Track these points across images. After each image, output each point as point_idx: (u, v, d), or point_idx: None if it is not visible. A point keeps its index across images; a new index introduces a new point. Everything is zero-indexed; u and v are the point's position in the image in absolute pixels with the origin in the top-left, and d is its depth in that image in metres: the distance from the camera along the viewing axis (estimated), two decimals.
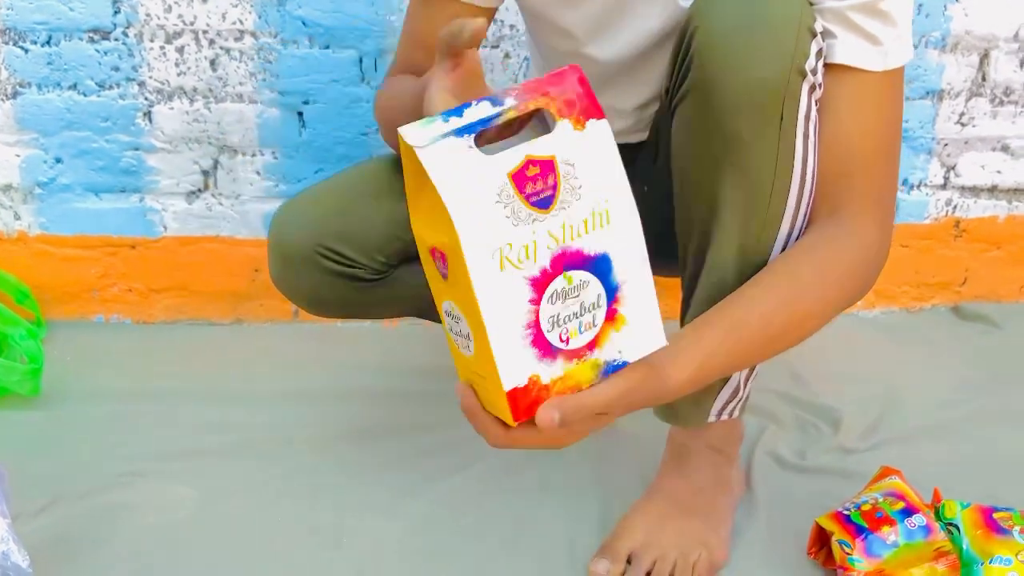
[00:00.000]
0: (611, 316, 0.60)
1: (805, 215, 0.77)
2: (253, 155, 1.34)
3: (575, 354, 0.59)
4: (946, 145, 1.40)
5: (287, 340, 1.38)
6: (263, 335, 1.40)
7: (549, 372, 0.58)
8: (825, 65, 0.73)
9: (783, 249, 0.77)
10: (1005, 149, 1.41)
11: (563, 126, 0.56)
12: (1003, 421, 1.12)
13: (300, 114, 1.31)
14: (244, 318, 1.43)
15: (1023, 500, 0.84)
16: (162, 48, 1.28)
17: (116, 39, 1.27)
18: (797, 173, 0.74)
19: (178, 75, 1.29)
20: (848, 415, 1.12)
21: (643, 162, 0.97)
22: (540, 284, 0.57)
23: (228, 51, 1.28)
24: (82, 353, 1.30)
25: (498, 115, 0.55)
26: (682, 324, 0.92)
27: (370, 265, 0.91)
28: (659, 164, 0.93)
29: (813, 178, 0.76)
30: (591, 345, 0.59)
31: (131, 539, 0.88)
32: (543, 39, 0.93)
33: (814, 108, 0.73)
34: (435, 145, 0.53)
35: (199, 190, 1.35)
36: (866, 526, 0.80)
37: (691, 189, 0.79)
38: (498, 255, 0.55)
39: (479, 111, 0.54)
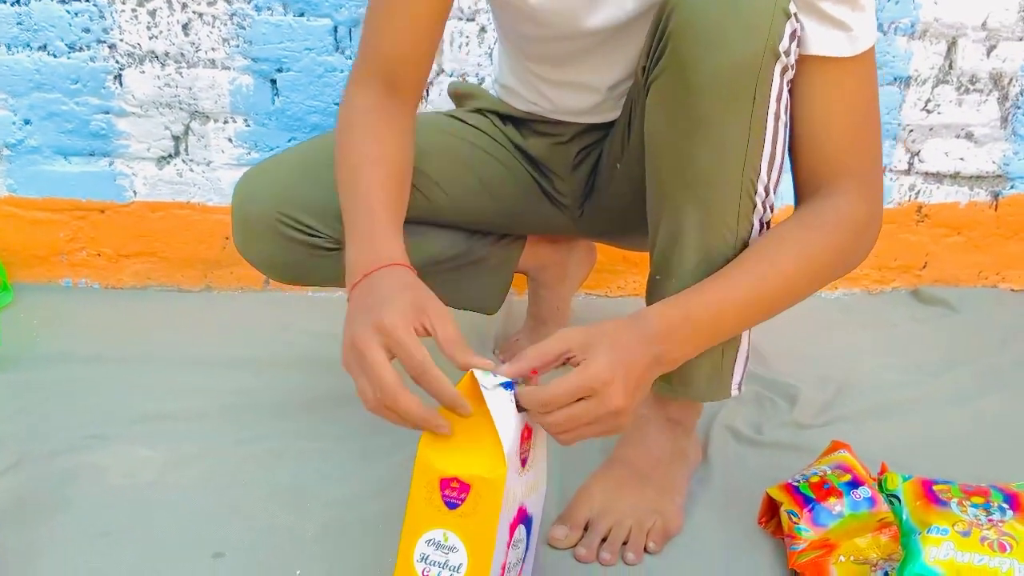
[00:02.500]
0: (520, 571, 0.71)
1: (773, 193, 0.79)
2: (225, 122, 1.33)
3: None
4: (911, 131, 1.42)
5: (257, 308, 1.39)
6: (233, 303, 1.40)
7: None
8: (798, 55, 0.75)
9: (756, 228, 0.79)
10: (969, 137, 1.44)
11: None
12: (953, 402, 1.16)
13: (273, 82, 1.31)
14: (214, 285, 1.43)
15: (968, 475, 0.88)
16: (134, 11, 1.26)
17: (87, 0, 1.25)
18: (767, 153, 0.76)
19: (150, 39, 1.28)
20: (805, 392, 1.15)
21: (616, 140, 0.98)
22: (512, 528, 0.66)
23: (201, 16, 1.27)
24: (49, 316, 1.30)
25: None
26: (648, 304, 0.94)
27: (330, 234, 0.91)
28: (631, 142, 0.94)
29: (783, 158, 0.78)
30: None
31: (95, 500, 0.89)
32: (510, 25, 0.92)
33: (786, 89, 0.75)
34: (497, 390, 0.64)
35: (170, 156, 1.35)
36: (813, 497, 0.83)
37: (663, 168, 0.80)
38: (506, 497, 0.64)
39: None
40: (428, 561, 0.65)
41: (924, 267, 1.50)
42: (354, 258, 0.74)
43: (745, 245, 0.78)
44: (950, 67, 1.39)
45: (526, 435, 0.67)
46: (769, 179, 0.77)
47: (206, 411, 1.07)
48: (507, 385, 0.66)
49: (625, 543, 0.85)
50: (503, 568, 0.65)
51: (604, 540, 0.85)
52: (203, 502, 0.90)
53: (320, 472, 0.96)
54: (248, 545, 0.84)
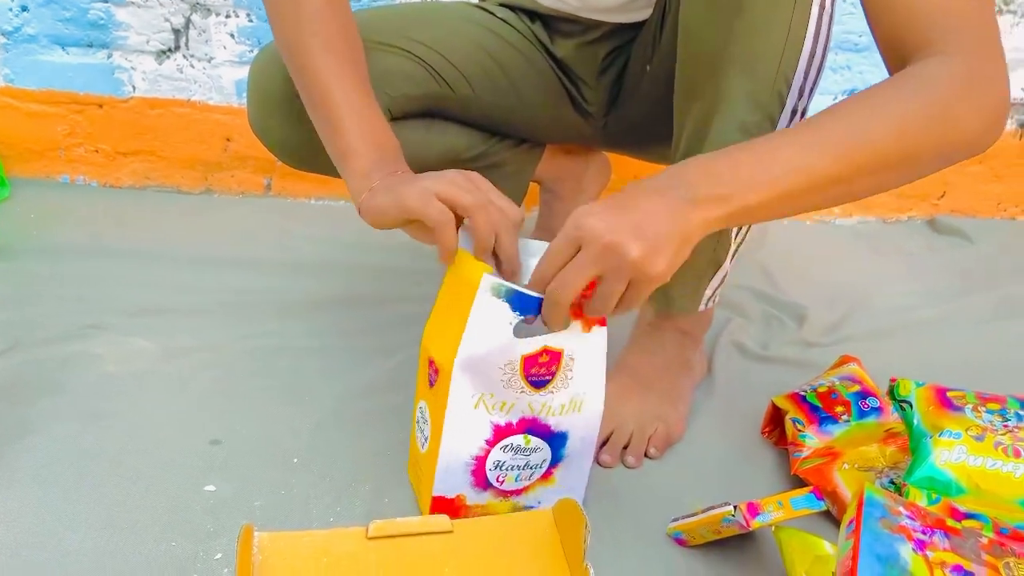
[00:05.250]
0: (546, 476, 0.71)
1: (808, 98, 0.75)
2: (227, 16, 1.28)
3: (502, 494, 0.70)
4: None
5: (258, 213, 1.36)
6: (234, 207, 1.37)
7: (475, 498, 0.69)
8: None
9: (789, 123, 0.74)
10: None
11: (575, 326, 0.65)
12: (967, 325, 1.14)
13: None
14: (214, 188, 1.40)
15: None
16: None
17: None
18: (807, 49, 0.71)
19: None
20: (814, 312, 1.13)
21: (645, 41, 0.94)
22: (501, 432, 0.67)
23: None
24: (46, 212, 1.27)
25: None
26: None
27: None
28: (663, 41, 0.90)
29: (824, 55, 0.73)
30: (518, 492, 0.71)
31: (89, 386, 0.88)
32: None
33: None
34: (498, 300, 0.62)
35: (170, 50, 1.30)
36: (820, 406, 0.81)
37: (693, 59, 0.76)
38: (478, 397, 0.65)
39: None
40: (419, 426, 0.71)
41: (942, 196, 1.46)
42: (360, 159, 0.71)
43: None
44: None
45: (548, 358, 0.65)
46: (805, 79, 0.73)
47: (205, 307, 1.05)
48: (520, 302, 0.62)
49: (626, 447, 0.84)
50: (479, 462, 0.67)
51: (605, 443, 0.84)
52: (199, 392, 0.89)
53: (319, 369, 0.94)
54: (245, 434, 0.83)
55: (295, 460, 0.79)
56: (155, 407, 0.85)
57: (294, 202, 1.40)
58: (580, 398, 0.69)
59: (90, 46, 1.29)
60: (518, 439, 0.68)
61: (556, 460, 0.70)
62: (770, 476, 0.82)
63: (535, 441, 0.69)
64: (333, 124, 0.73)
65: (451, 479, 0.68)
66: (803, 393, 0.84)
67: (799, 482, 0.79)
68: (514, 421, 0.67)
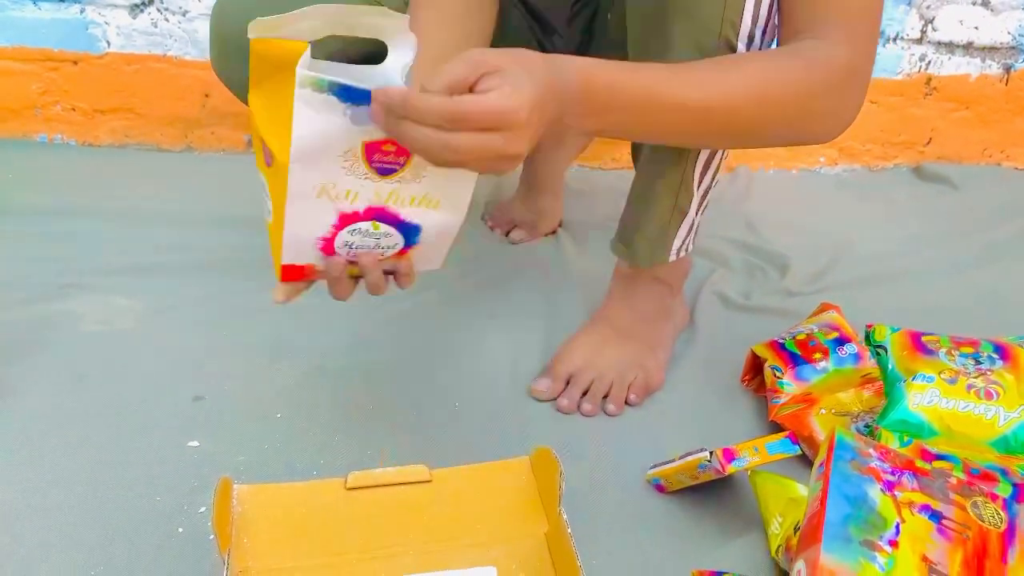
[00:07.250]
0: (401, 253, 0.69)
1: (763, 37, 0.74)
2: None
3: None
4: None
5: (240, 170, 1.34)
6: (215, 164, 1.36)
7: (325, 262, 0.67)
8: None
9: None
10: (985, 4, 1.36)
11: None
12: (947, 272, 1.14)
13: None
14: (195, 146, 1.38)
15: None
16: None
17: None
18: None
19: None
20: (797, 262, 1.13)
21: None
22: (347, 219, 0.64)
23: None
24: (24, 172, 1.26)
25: None
26: (633, 159, 0.91)
27: None
28: None
29: (771, 13, 0.71)
30: None
31: (69, 346, 0.88)
32: None
33: None
34: (322, 95, 0.57)
35: (143, 3, 1.27)
36: (799, 353, 0.82)
37: (642, 12, 0.75)
38: (319, 187, 0.61)
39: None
40: (262, 192, 0.66)
41: (928, 143, 1.46)
42: None
43: None
44: None
45: (394, 148, 0.62)
46: (754, 24, 0.71)
47: (186, 265, 1.05)
48: (347, 94, 0.58)
49: (606, 396, 0.85)
50: (326, 242, 0.66)
51: (585, 393, 0.85)
52: (182, 349, 0.89)
53: (301, 324, 0.94)
54: (228, 390, 0.83)
55: (278, 415, 0.80)
56: (138, 365, 0.86)
57: None
58: (435, 198, 0.67)
59: (62, 0, 1.26)
60: (365, 225, 0.66)
61: (409, 244, 0.70)
62: (749, 423, 0.83)
63: (384, 227, 0.67)
64: None
65: (299, 254, 0.66)
66: (782, 341, 0.84)
67: (777, 428, 0.80)
68: (360, 209, 0.65)
